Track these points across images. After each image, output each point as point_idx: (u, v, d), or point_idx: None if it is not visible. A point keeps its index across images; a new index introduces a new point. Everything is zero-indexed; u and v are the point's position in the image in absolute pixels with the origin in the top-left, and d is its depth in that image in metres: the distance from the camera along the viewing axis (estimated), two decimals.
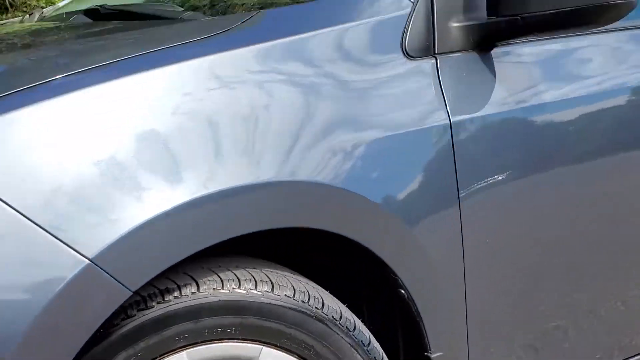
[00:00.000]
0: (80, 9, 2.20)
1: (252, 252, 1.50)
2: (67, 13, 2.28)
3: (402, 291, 1.54)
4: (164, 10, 1.99)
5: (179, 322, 1.32)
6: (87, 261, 1.20)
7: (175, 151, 1.31)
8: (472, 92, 1.64)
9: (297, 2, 1.74)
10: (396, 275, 1.52)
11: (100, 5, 2.08)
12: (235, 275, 1.39)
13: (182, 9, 1.91)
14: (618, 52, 1.89)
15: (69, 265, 1.19)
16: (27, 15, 2.60)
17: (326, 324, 1.44)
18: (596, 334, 1.89)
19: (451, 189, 1.56)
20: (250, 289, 1.38)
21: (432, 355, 1.59)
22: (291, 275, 1.47)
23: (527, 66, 1.73)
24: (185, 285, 1.34)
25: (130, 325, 1.30)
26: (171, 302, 1.32)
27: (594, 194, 1.80)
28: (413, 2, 1.61)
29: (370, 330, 1.54)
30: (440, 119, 1.57)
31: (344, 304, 1.52)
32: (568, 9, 1.57)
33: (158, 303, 1.32)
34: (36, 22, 2.40)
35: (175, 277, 1.35)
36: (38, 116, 1.26)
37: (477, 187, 1.59)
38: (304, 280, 1.48)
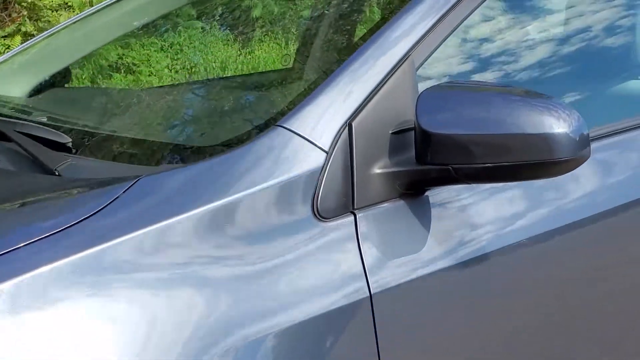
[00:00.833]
0: None
1: None
2: None
3: None
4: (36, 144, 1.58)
5: None
6: None
7: None
8: (397, 250, 1.41)
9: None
10: None
11: None
12: None
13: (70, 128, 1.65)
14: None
15: None
16: None
17: None
18: None
19: None
20: None
21: None
22: None
23: (463, 211, 1.51)
24: None
25: None
26: None
27: None
28: (327, 152, 1.38)
29: None
30: (356, 292, 1.34)
31: None
32: (507, 163, 1.35)
33: None
34: None
35: None
36: None
37: None
38: None
